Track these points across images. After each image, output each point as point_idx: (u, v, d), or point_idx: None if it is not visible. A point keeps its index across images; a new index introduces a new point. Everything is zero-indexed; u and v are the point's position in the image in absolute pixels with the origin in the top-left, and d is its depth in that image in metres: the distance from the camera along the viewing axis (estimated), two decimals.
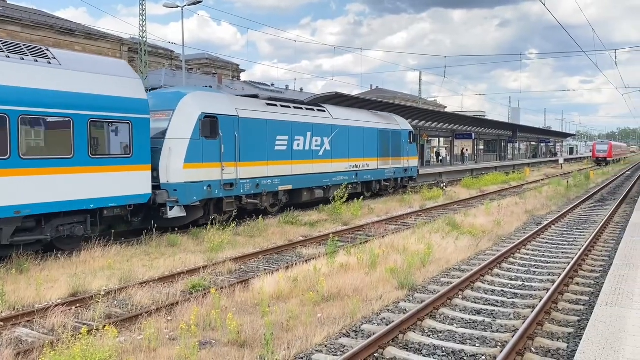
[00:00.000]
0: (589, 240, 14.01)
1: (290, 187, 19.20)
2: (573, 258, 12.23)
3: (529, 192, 29.28)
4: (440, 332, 7.78)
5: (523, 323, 7.79)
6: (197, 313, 7.68)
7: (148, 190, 13.83)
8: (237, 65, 65.63)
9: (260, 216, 17.01)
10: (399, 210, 21.79)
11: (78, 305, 8.91)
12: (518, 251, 13.49)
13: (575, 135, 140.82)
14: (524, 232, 16.58)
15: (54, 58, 12.04)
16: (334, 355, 6.88)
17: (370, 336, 7.33)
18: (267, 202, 18.51)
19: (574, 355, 5.72)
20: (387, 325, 7.84)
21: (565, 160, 77.73)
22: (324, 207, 20.08)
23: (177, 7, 30.71)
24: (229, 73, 61.08)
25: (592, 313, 7.10)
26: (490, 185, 33.81)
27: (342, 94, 27.88)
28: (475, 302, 9.32)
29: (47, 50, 12.27)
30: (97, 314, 8.10)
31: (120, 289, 9.69)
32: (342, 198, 19.32)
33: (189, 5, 30.36)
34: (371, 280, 10.17)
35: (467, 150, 63.96)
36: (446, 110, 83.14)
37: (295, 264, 11.58)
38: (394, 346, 7.15)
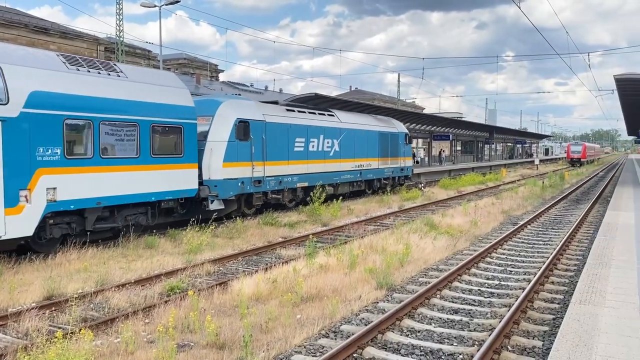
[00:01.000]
0: (563, 240, 14.27)
1: (306, 184, 21.26)
2: (548, 257, 12.44)
3: (505, 192, 29.69)
4: (419, 332, 7.85)
5: (500, 322, 7.90)
6: (175, 315, 7.62)
7: (195, 185, 15.80)
8: (216, 65, 65.25)
9: (238, 217, 16.98)
10: (378, 211, 21.90)
11: (53, 308, 8.77)
12: (495, 251, 13.68)
13: (550, 136, 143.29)
14: (501, 232, 16.81)
15: (121, 71, 14.02)
16: (313, 356, 6.89)
17: (349, 336, 7.36)
18: (287, 197, 20.56)
19: (549, 353, 5.83)
20: (366, 325, 7.88)
21: (541, 161, 79.03)
22: (303, 207, 20.07)
23: (155, 6, 30.42)
24: (207, 73, 60.67)
25: (566, 311, 7.24)
26: (468, 186, 34.20)
27: (321, 95, 28.22)
28: (453, 302, 9.42)
29: (115, 64, 14.31)
30: (73, 317, 7.97)
31: (96, 291, 9.55)
32: (320, 198, 19.37)
33: (166, 4, 30.09)
34: (350, 280, 10.21)
35: (444, 151, 64.61)
36: (424, 111, 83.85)
37: (275, 265, 11.56)
38: (373, 346, 7.19)
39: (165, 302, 8.92)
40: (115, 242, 13.58)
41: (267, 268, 11.32)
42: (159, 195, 14.59)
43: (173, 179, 14.95)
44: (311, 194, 19.73)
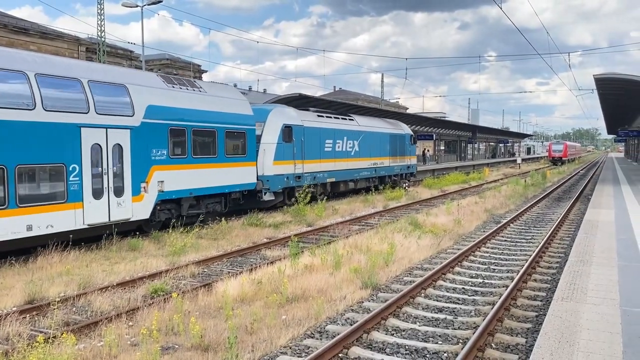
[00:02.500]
0: (545, 238, 14.43)
1: (334, 179, 24.80)
2: (531, 255, 12.58)
3: (488, 191, 29.95)
4: (404, 331, 7.88)
5: (483, 320, 7.96)
6: (159, 318, 7.56)
7: (254, 180, 19.22)
8: (199, 65, 64.82)
9: (222, 218, 16.94)
10: (363, 211, 21.95)
11: (34, 312, 8.65)
12: (478, 249, 13.79)
13: (532, 135, 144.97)
14: (484, 231, 16.95)
15: (201, 87, 17.48)
16: (298, 356, 6.88)
17: (334, 337, 7.36)
18: (319, 191, 23.56)
19: (532, 350, 5.89)
20: (351, 325, 7.89)
21: (523, 160, 79.88)
22: (288, 208, 20.05)
23: (137, 6, 30.15)
24: (190, 74, 60.29)
25: (548, 308, 7.32)
26: (451, 185, 34.44)
27: (305, 95, 28.39)
28: (438, 300, 9.47)
29: (196, 81, 17.98)
30: (55, 321, 7.86)
31: (79, 294, 9.44)
32: (304, 199, 19.38)
33: (148, 4, 29.84)
34: (335, 280, 10.22)
35: (428, 150, 64.98)
36: (408, 111, 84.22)
37: (260, 266, 11.54)
38: (358, 346, 7.20)
39: (149, 304, 8.84)
40: (98, 245, 13.44)
41: (252, 269, 11.29)
42: (230, 188, 18.06)
43: (239, 175, 18.40)
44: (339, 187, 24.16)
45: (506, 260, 12.78)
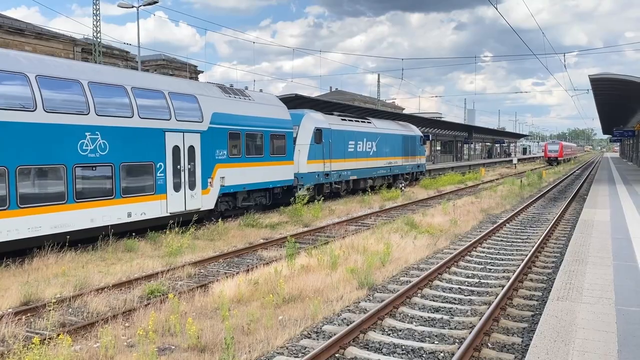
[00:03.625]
0: (541, 238, 14.48)
1: (355, 177, 27.56)
2: (527, 255, 12.61)
3: (484, 191, 30.01)
4: (400, 331, 7.89)
5: (480, 320, 7.98)
6: (156, 319, 7.55)
7: (292, 177, 21.96)
8: (195, 66, 64.70)
9: (220, 219, 16.93)
10: (359, 211, 21.97)
11: (30, 314, 8.62)
12: (474, 249, 13.82)
13: (528, 135, 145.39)
14: (480, 231, 16.99)
15: (249, 96, 20.25)
16: (295, 357, 6.88)
17: (331, 337, 7.37)
18: (343, 187, 26.42)
19: (527, 349, 5.91)
20: (347, 325, 7.90)
21: (519, 160, 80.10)
22: (284, 208, 20.07)
23: (133, 7, 30.09)
24: (187, 74, 60.19)
25: (544, 308, 7.34)
26: (447, 185, 34.50)
27: (301, 96, 28.47)
28: (434, 300, 9.49)
29: (245, 91, 20.63)
30: (51, 322, 7.85)
31: (75, 296, 9.42)
32: (302, 200, 19.39)
33: (144, 5, 29.79)
34: (332, 280, 10.22)
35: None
36: (404, 111, 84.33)
37: (256, 267, 11.54)
38: (355, 346, 7.21)
39: (146, 305, 8.83)
40: (94, 246, 13.41)
41: (248, 270, 11.29)
42: (274, 184, 20.82)
43: (281, 172, 21.05)
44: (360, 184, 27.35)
45: (502, 260, 12.81)
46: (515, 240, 15.42)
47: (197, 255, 13.11)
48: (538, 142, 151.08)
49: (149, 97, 15.27)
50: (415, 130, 37.13)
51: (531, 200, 24.98)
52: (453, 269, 11.75)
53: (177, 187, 15.85)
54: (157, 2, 29.60)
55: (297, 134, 22.99)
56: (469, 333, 7.47)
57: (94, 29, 38.91)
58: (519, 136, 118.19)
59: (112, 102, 14.12)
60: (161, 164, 15.31)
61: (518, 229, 17.49)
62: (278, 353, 6.97)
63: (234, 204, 18.90)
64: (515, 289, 9.82)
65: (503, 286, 10.03)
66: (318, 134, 23.92)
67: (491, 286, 10.41)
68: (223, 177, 17.75)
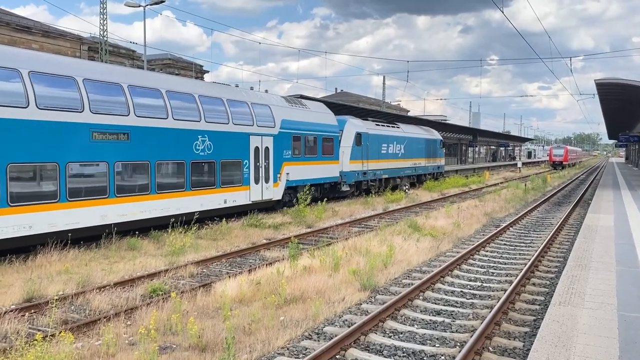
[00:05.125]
0: (545, 242, 14.43)
1: (387, 176, 30.98)
2: (530, 259, 12.58)
3: (488, 194, 29.94)
4: (401, 333, 7.88)
5: (481, 323, 7.97)
6: (157, 317, 7.58)
7: (338, 174, 25.42)
8: (201, 66, 64.89)
9: (223, 219, 16.96)
10: (363, 213, 21.96)
11: (33, 310, 8.66)
12: (477, 253, 13.79)
13: (533, 139, 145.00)
14: (483, 234, 16.95)
15: (305, 105, 23.80)
16: (296, 357, 6.89)
17: (332, 338, 7.37)
18: (376, 185, 29.74)
19: (528, 353, 5.90)
20: (349, 327, 7.90)
21: (524, 163, 79.90)
22: (288, 209, 20.09)
23: (140, 6, 30.20)
24: (192, 74, 60.33)
25: (546, 312, 7.33)
26: (451, 188, 34.44)
27: (306, 97, 28.61)
28: (436, 303, 9.48)
29: (301, 100, 24.20)
30: (53, 319, 7.88)
31: (77, 293, 9.45)
32: (305, 200, 19.40)
33: (151, 4, 29.89)
34: (334, 282, 10.23)
35: None
36: (409, 114, 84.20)
37: (259, 267, 11.55)
38: (356, 348, 7.21)
39: (148, 304, 8.85)
40: (97, 244, 13.45)
41: (250, 270, 11.30)
42: (324, 180, 24.27)
43: (329, 170, 24.57)
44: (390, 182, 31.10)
45: (505, 264, 12.78)
46: (519, 244, 15.38)
47: (199, 255, 13.14)
48: (543, 146, 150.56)
49: (238, 107, 18.92)
50: (436, 135, 40.57)
51: (535, 205, 24.91)
52: (455, 272, 11.73)
53: (256, 180, 19.49)
54: (164, 2, 29.71)
55: (341, 137, 26.20)
56: (470, 336, 7.46)
57: (101, 27, 39.05)
58: (524, 140, 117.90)
59: (215, 111, 17.59)
60: (246, 161, 18.93)
61: (521, 233, 17.45)
62: (279, 354, 6.98)
63: (295, 196, 21.75)
64: (517, 293, 9.80)
65: (505, 290, 10.01)
66: (358, 137, 27.24)
67: (493, 290, 10.39)
68: (288, 173, 21.34)
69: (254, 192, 19.29)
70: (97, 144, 13.46)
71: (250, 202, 18.95)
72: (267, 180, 19.97)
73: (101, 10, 38.78)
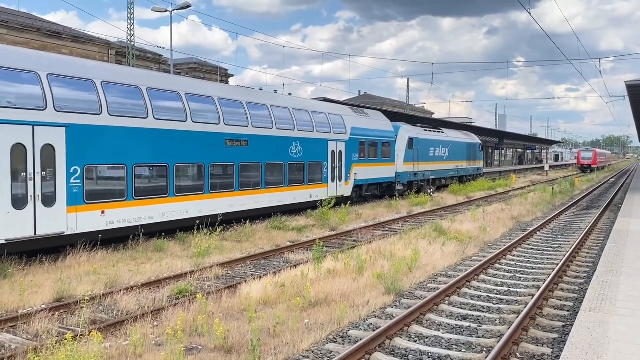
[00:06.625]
0: (573, 247, 14.16)
1: (433, 177, 33.91)
2: (558, 264, 12.35)
3: (514, 198, 29.52)
4: (427, 338, 7.81)
5: (508, 328, 7.85)
6: (184, 318, 7.65)
7: (394, 175, 28.32)
8: (226, 70, 65.46)
9: (247, 221, 17.05)
10: (386, 216, 21.86)
11: (63, 310, 8.83)
12: (504, 257, 13.60)
13: (560, 142, 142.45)
14: (510, 238, 16.71)
15: (367, 113, 27.07)
16: None
17: (357, 342, 7.35)
18: (425, 185, 32.36)
19: None
20: (374, 330, 7.86)
21: (551, 167, 78.47)
22: (311, 212, 20.12)
23: (166, 11, 30.62)
24: (217, 78, 60.92)
25: (576, 319, 7.18)
26: (477, 192, 34.05)
27: (329, 100, 28.98)
28: (462, 308, 9.37)
29: (363, 110, 27.52)
30: (82, 319, 8.02)
31: (105, 294, 9.61)
32: (329, 204, 19.41)
33: (177, 9, 30.29)
34: (358, 285, 10.19)
35: None
36: (433, 116, 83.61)
37: (283, 270, 11.58)
38: (381, 352, 7.17)
39: (174, 305, 8.95)
40: (125, 245, 13.66)
41: (275, 272, 11.33)
42: (383, 180, 27.28)
43: (387, 171, 27.48)
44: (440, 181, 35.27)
45: (532, 268, 12.57)
46: (546, 248, 15.12)
47: (224, 257, 13.24)
48: (571, 149, 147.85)
49: (319, 117, 22.28)
50: (476, 139, 43.61)
51: (563, 209, 24.47)
52: (482, 276, 11.59)
53: (332, 179, 22.74)
54: (190, 7, 30.06)
55: (395, 141, 28.67)
56: (497, 342, 7.35)
57: (128, 32, 39.73)
58: (551, 143, 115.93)
59: (303, 121, 21.07)
60: (325, 163, 22.24)
61: (549, 237, 17.15)
62: (304, 357, 6.98)
63: (360, 193, 25.34)
64: (545, 298, 9.63)
65: (533, 295, 9.84)
66: (410, 142, 29.96)
67: (521, 295, 10.23)
68: (356, 173, 24.39)
69: (331, 189, 22.59)
70: (228, 149, 17.13)
71: (328, 197, 21.33)
72: (340, 179, 23.22)
73: (128, 16, 39.46)
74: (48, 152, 11.92)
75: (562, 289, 10.56)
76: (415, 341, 7.69)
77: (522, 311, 8.64)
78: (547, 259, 13.67)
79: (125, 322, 8.16)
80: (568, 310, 9.15)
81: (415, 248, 13.11)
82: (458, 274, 11.58)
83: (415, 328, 8.12)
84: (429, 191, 31.77)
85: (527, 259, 13.58)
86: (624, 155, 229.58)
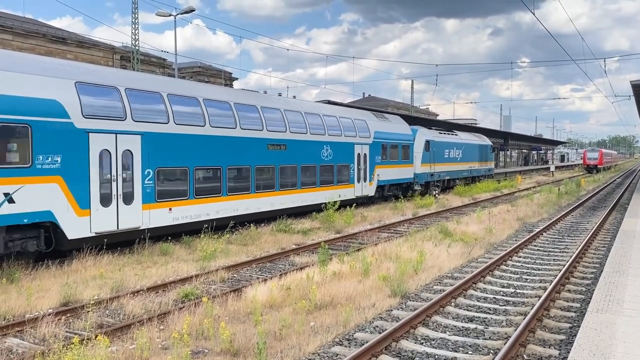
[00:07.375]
0: (579, 248, 14.10)
1: (448, 177, 35.34)
2: (564, 265, 12.30)
3: (520, 199, 29.42)
4: (433, 340, 7.79)
5: (515, 330, 7.82)
6: (190, 322, 7.66)
7: (412, 176, 29.59)
8: (230, 73, 65.62)
9: (252, 224, 17.08)
10: (392, 218, 21.83)
11: (69, 314, 8.86)
12: (510, 258, 13.55)
13: (566, 142, 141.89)
14: (516, 240, 16.65)
15: (387, 118, 28.60)
16: None
17: (363, 344, 7.33)
18: (439, 185, 33.56)
19: None
20: (380, 333, 7.85)
21: (557, 167, 78.19)
22: (316, 214, 20.12)
23: (170, 15, 30.74)
24: (222, 81, 61.06)
25: (583, 320, 7.14)
26: (482, 193, 33.97)
27: (333, 102, 29.17)
28: (468, 310, 9.34)
29: (384, 115, 29.04)
30: (89, 323, 8.05)
31: (112, 298, 9.63)
32: (334, 206, 19.40)
33: (181, 13, 30.40)
34: (364, 288, 10.18)
35: None
36: (438, 117, 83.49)
37: (288, 272, 11.57)
38: (387, 354, 7.15)
39: (180, 308, 8.96)
40: (130, 249, 13.70)
41: (281, 275, 11.34)
42: (403, 180, 28.59)
43: (406, 172, 28.83)
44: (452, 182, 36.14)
45: (539, 270, 12.52)
46: (553, 249, 15.06)
47: (230, 260, 13.25)
48: (576, 149, 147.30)
49: (346, 122, 23.80)
50: (487, 140, 45.07)
51: (569, 209, 24.37)
52: (488, 278, 11.55)
53: (358, 180, 24.13)
54: (194, 11, 30.16)
55: (413, 144, 29.95)
56: (504, 344, 7.33)
57: (133, 37, 39.90)
58: (556, 143, 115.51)
59: (332, 126, 22.60)
60: (352, 164, 23.69)
61: (555, 238, 17.08)
62: (310, 359, 6.97)
63: (382, 193, 26.77)
64: (552, 299, 9.59)
65: (539, 296, 9.80)
66: (427, 144, 31.15)
67: (527, 296, 10.19)
68: (378, 174, 25.79)
69: (357, 189, 24.14)
70: (270, 152, 18.71)
71: (354, 197, 23.51)
72: (365, 180, 24.72)
73: (133, 20, 39.64)
74: (127, 157, 13.54)
75: (568, 290, 10.52)
76: (422, 343, 7.67)
77: (528, 313, 8.60)
78: (554, 260, 13.61)
79: (132, 326, 8.17)
80: (575, 312, 9.11)
81: (420, 250, 13.08)
82: (464, 276, 11.55)
83: (422, 330, 8.10)
84: (434, 193, 31.73)
85: (533, 260, 13.53)
86: (630, 155, 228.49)
